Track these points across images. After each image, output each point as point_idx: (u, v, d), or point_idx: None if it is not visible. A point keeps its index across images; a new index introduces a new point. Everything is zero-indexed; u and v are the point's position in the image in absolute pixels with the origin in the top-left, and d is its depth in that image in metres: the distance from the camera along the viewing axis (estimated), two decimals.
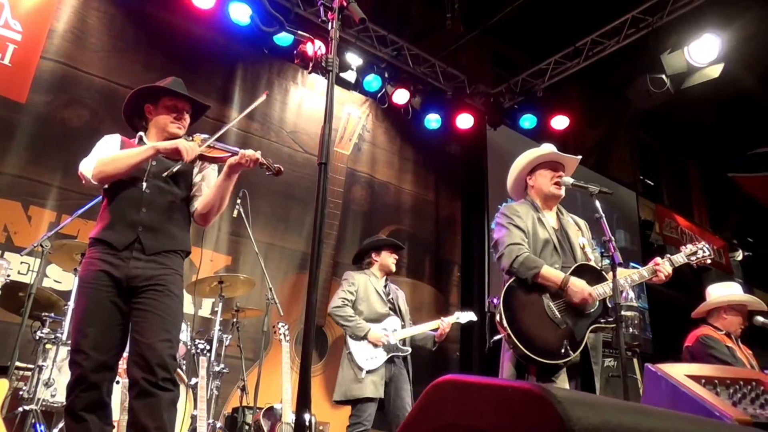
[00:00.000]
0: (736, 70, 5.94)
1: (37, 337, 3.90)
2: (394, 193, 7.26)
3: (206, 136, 2.69)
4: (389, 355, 4.18)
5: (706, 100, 6.27)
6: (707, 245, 3.13)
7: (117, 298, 2.47)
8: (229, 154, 2.61)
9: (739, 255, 10.25)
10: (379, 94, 7.09)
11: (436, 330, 4.40)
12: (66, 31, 5.29)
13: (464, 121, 7.47)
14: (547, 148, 3.29)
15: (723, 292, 3.92)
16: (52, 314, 4.11)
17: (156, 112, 2.75)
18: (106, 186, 2.65)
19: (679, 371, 1.74)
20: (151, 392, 2.35)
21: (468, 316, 4.52)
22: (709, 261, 3.12)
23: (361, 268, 4.54)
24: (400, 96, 7.07)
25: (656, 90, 5.76)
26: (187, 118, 2.81)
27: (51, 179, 5.01)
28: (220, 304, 4.61)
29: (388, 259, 4.44)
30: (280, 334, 4.28)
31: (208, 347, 4.37)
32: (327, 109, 1.85)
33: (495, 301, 3.52)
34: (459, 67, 7.49)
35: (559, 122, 7.50)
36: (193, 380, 4.05)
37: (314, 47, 2.19)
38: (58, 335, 3.97)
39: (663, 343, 8.16)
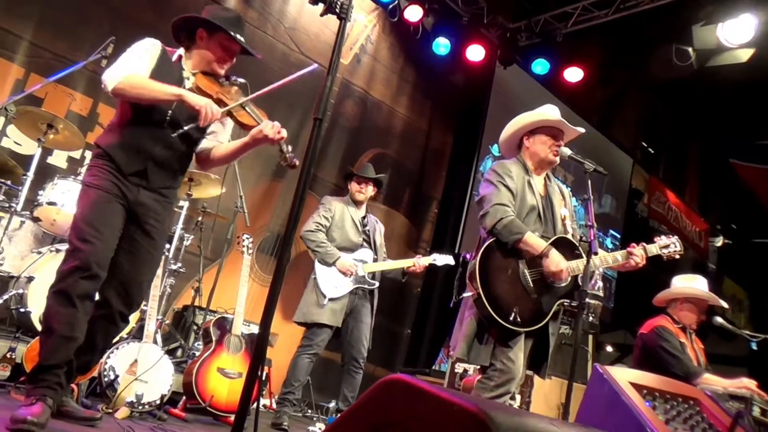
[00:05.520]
0: (766, 58, 5.62)
1: None
2: (387, 115, 6.96)
3: (243, 81, 2.64)
4: (355, 287, 4.15)
5: (726, 82, 5.98)
6: (679, 241, 3.14)
7: (125, 213, 2.55)
8: (256, 123, 2.53)
9: (719, 241, 10.28)
10: (391, 6, 6.64)
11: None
12: None
13: (475, 52, 7.06)
14: (552, 112, 3.16)
15: (686, 284, 3.91)
16: (9, 182, 3.94)
17: (208, 42, 2.64)
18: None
19: (624, 377, 1.76)
20: (117, 323, 2.62)
21: (445, 260, 4.45)
22: (677, 257, 3.14)
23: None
24: (413, 12, 6.63)
25: (680, 62, 5.46)
26: (233, 60, 2.73)
27: (23, 32, 4.71)
28: (186, 203, 4.44)
29: (353, 187, 4.38)
30: (243, 246, 4.14)
31: (167, 244, 4.23)
32: (332, 60, 1.61)
33: (468, 257, 3.43)
34: None
35: (573, 74, 7.15)
36: None
37: None
38: (13, 205, 3.82)
39: (622, 315, 8.29)
